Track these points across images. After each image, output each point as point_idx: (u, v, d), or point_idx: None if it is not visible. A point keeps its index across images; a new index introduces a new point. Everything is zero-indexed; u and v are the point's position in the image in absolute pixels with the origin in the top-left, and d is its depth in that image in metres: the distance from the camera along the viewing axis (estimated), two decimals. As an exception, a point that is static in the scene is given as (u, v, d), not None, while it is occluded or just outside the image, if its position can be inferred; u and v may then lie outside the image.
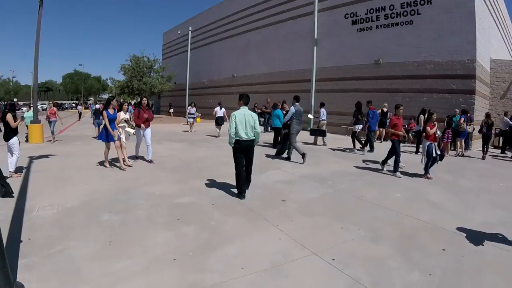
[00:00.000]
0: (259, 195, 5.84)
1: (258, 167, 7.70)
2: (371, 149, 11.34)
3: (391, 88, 15.59)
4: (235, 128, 5.64)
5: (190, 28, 32.97)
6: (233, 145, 5.75)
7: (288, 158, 9.45)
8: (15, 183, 6.13)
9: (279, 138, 10.93)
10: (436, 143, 7.66)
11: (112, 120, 7.80)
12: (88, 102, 31.00)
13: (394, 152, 7.85)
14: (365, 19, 16.61)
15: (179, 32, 36.62)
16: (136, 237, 3.97)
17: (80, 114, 31.74)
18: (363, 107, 11.81)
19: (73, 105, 69.60)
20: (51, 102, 15.07)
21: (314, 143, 12.94)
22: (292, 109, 9.27)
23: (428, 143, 7.62)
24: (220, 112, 15.25)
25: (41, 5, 12.77)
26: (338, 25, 17.77)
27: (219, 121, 15.20)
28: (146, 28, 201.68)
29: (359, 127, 11.48)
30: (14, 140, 6.95)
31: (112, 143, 7.84)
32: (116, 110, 8.09)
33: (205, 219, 4.63)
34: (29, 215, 4.62)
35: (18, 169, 7.22)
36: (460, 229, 4.47)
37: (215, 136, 14.95)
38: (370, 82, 16.30)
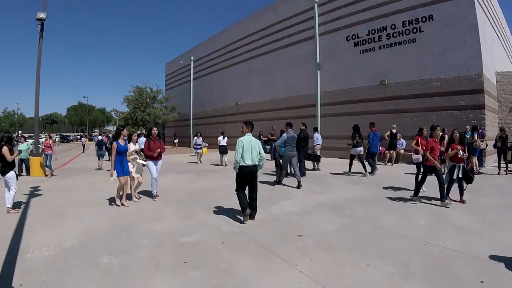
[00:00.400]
0: (272, 229, 5.47)
1: (268, 197, 7.70)
2: (372, 171, 11.30)
3: (399, 109, 15.44)
4: (241, 153, 5.90)
5: (192, 58, 33.58)
6: (237, 171, 5.97)
7: (279, 182, 9.78)
8: (12, 220, 6.02)
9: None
10: (461, 164, 7.10)
11: (123, 152, 7.25)
12: (93, 134, 31.06)
13: (423, 179, 7.26)
14: (367, 40, 16.73)
15: (181, 62, 37.33)
16: (138, 284, 3.63)
17: (84, 146, 31.92)
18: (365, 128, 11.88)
19: (78, 137, 70.41)
20: (47, 134, 15.02)
21: (314, 169, 12.82)
22: (284, 135, 9.55)
23: (451, 164, 7.18)
24: (223, 141, 15.62)
25: (41, 36, 13.02)
26: (341, 48, 17.92)
27: (223, 150, 15.50)
28: (148, 59, 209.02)
29: (359, 150, 11.37)
30: (10, 174, 6.78)
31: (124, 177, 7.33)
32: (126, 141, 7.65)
33: (215, 260, 4.23)
34: (24, 256, 4.37)
35: (16, 205, 7.03)
36: (494, 257, 4.11)
37: (221, 165, 15.26)
38: (376, 104, 16.18)
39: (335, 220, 5.97)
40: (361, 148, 11.35)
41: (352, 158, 11.67)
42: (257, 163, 5.98)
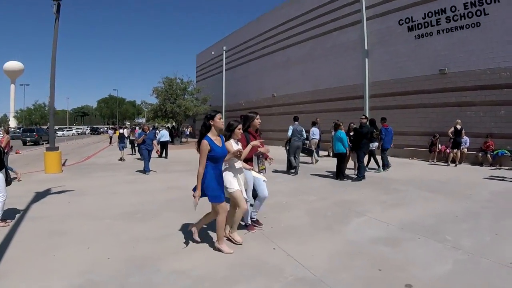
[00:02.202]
0: (363, 273, 3.88)
1: (333, 211, 6.54)
2: (384, 168, 11.84)
3: (461, 102, 14.55)
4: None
5: (224, 48, 33.57)
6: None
7: (295, 172, 11.40)
8: None
9: (343, 165, 10.23)
10: None
11: (221, 157, 4.42)
12: (122, 127, 31.82)
13: None
14: (423, 24, 15.84)
15: (212, 52, 37.47)
16: None
17: (111, 139, 32.71)
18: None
19: (105, 129, 73.19)
20: (2, 129, 15.40)
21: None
22: (290, 128, 11.86)
23: None
24: None
25: (57, 17, 12.86)
26: (392, 33, 17.12)
27: None
28: (179, 51, 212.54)
29: (375, 145, 11.90)
30: None
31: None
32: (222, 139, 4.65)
33: None
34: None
35: (9, 214, 6.20)
36: None
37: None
38: (435, 96, 15.35)
39: (442, 253, 4.51)
40: (377, 144, 11.94)
41: (370, 153, 12.10)
42: None
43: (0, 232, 5.35)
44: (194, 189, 4.32)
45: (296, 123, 11.89)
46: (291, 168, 11.50)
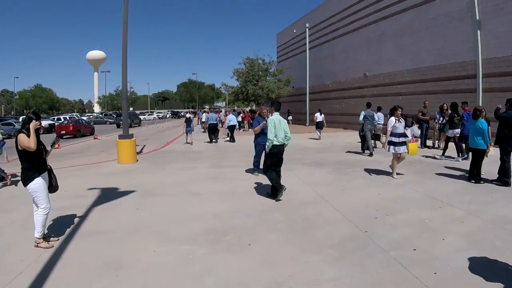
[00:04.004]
0: None
1: (508, 244, 4.78)
2: (464, 156, 11.60)
3: None
4: (274, 132, 6.96)
5: (307, 25, 33.33)
6: (269, 150, 7.05)
7: (370, 154, 13.01)
8: (27, 266, 4.23)
9: (480, 164, 8.75)
10: None
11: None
12: (203, 111, 33.30)
13: None
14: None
15: (294, 31, 37.36)
16: None
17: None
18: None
19: (182, 113, 78.76)
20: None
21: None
22: (363, 113, 13.97)
23: None
24: (320, 117, 19.99)
25: None
26: (510, -2, 15.35)
27: (319, 125, 20.02)
28: (257, 31, 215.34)
29: (456, 132, 11.93)
30: (34, 184, 4.77)
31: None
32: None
33: None
34: None
35: (56, 228, 5.55)
36: None
37: (316, 139, 19.67)
38: None
39: None
40: (459, 130, 11.82)
41: (448, 140, 12.51)
42: (285, 142, 7.17)
43: (37, 259, 4.44)
44: None
45: (368, 109, 14.11)
46: (367, 149, 13.44)
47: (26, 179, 4.76)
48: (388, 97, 22.68)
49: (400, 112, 9.27)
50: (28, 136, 4.64)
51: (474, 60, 16.53)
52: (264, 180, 8.14)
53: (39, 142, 4.76)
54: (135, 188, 8.25)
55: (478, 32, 16.38)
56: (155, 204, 6.98)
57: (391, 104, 21.60)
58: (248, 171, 10.36)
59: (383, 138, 14.15)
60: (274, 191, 7.17)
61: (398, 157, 9.17)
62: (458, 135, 11.90)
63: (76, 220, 5.99)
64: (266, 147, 7.09)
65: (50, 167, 5.13)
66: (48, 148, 5.12)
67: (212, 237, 5.11)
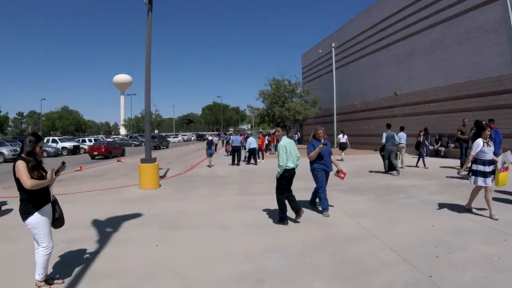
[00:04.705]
0: None
1: None
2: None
3: None
4: (286, 157, 6.89)
5: (333, 45, 33.22)
6: (280, 174, 6.99)
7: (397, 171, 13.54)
8: None
9: None
10: None
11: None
12: (228, 133, 33.35)
13: None
14: None
15: (319, 51, 37.35)
16: None
17: (215, 146, 34.25)
18: None
19: (206, 136, 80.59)
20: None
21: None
22: (384, 134, 14.30)
23: None
24: (343, 138, 21.11)
25: (150, 9, 12.52)
26: (551, 6, 14.65)
27: (342, 146, 20.92)
28: (283, 53, 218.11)
29: None
30: (33, 220, 4.21)
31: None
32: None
33: None
34: None
35: (62, 267, 4.96)
36: None
37: (340, 160, 18.71)
38: None
39: None
40: None
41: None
42: (297, 164, 7.16)
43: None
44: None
45: (389, 130, 14.62)
46: (391, 169, 13.91)
47: (25, 213, 4.17)
48: (420, 116, 21.99)
49: (489, 132, 7.52)
50: (28, 163, 4.11)
51: (512, 74, 15.77)
52: (306, 211, 7.60)
53: (40, 169, 4.26)
54: (155, 219, 7.72)
55: (516, 43, 15.67)
56: (176, 239, 6.22)
57: (423, 124, 21.19)
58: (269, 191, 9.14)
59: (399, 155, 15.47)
60: (280, 218, 7.16)
61: (481, 189, 7.26)
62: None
63: (86, 256, 5.42)
64: (277, 174, 7.05)
65: (55, 198, 4.53)
66: (52, 175, 4.28)
67: (245, 287, 4.31)
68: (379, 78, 27.06)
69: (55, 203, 4.50)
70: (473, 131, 12.11)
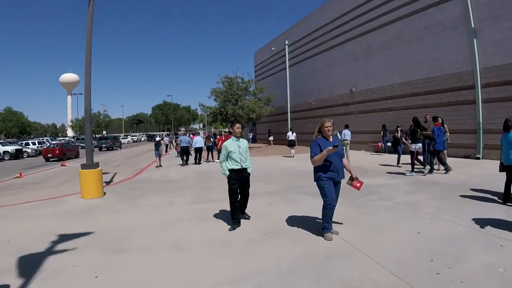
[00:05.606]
0: None
1: None
2: (431, 170, 12.33)
3: None
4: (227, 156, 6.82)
5: (287, 42, 33.05)
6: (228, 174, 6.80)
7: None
8: None
9: None
10: None
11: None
12: (179, 133, 32.21)
13: None
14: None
15: (273, 48, 37.12)
16: None
17: (166, 147, 33.22)
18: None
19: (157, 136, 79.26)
20: None
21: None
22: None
23: None
24: (292, 136, 22.14)
25: None
26: (506, 4, 15.06)
27: (291, 143, 21.89)
28: (235, 52, 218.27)
29: (418, 147, 12.57)
30: None
31: None
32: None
33: None
34: None
35: None
36: None
37: (290, 157, 21.27)
38: None
39: None
40: (420, 145, 12.51)
41: (412, 155, 12.86)
42: (245, 166, 6.84)
43: None
44: None
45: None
46: None
47: None
48: (377, 112, 22.09)
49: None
50: None
51: (472, 70, 16.03)
52: (274, 221, 6.91)
53: None
54: (96, 238, 6.38)
55: (475, 40, 15.93)
56: (120, 268, 4.91)
57: (380, 120, 21.23)
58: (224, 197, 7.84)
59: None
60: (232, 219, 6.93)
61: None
62: (420, 150, 12.64)
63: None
64: (223, 171, 6.89)
65: None
66: None
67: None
68: (335, 75, 26.98)
69: None
70: (412, 128, 12.99)
